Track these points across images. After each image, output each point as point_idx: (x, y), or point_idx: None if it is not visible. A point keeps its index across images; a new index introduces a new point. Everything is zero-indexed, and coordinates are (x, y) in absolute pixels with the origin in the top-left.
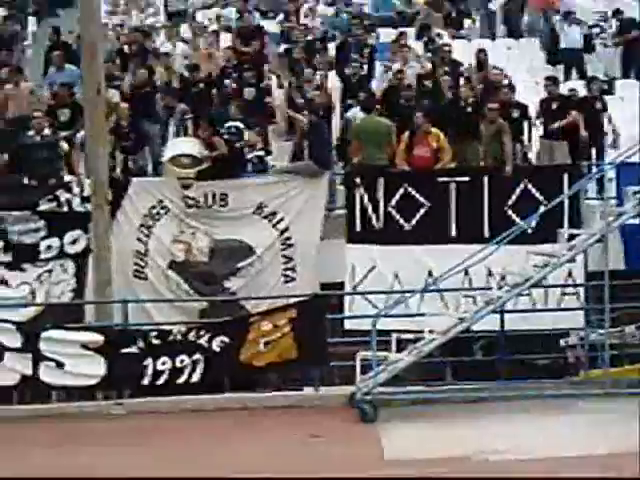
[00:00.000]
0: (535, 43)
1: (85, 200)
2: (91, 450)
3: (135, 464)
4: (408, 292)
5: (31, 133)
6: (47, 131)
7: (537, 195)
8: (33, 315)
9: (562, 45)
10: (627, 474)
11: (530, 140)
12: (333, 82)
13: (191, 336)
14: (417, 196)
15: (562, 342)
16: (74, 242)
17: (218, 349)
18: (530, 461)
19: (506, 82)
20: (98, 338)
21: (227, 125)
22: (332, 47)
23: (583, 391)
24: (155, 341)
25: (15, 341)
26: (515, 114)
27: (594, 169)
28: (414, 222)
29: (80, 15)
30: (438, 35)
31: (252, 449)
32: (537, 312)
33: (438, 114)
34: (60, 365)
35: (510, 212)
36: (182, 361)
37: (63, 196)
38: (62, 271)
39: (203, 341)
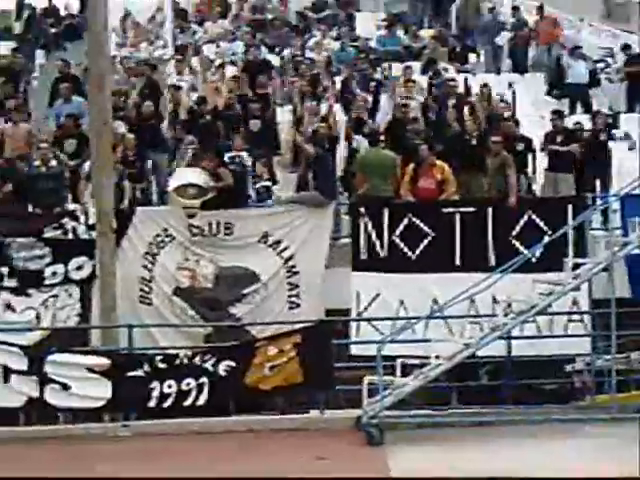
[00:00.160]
0: (540, 78)
1: (90, 228)
2: (97, 471)
3: None
4: (414, 318)
5: (37, 164)
6: (53, 162)
7: (542, 225)
8: (39, 339)
9: (568, 80)
10: None
11: (535, 172)
12: (338, 114)
13: (197, 360)
14: (422, 226)
15: (568, 367)
16: (79, 268)
17: (224, 373)
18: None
19: (509, 114)
20: (104, 361)
21: (230, 155)
22: (338, 80)
23: (590, 416)
24: (161, 365)
25: (21, 364)
26: (520, 147)
27: (599, 201)
28: (419, 251)
29: (88, 48)
30: (444, 69)
31: (258, 471)
32: (544, 338)
33: (443, 147)
34: (66, 387)
35: (515, 242)
36: (188, 384)
37: (69, 224)
38: (67, 296)
39: (209, 365)
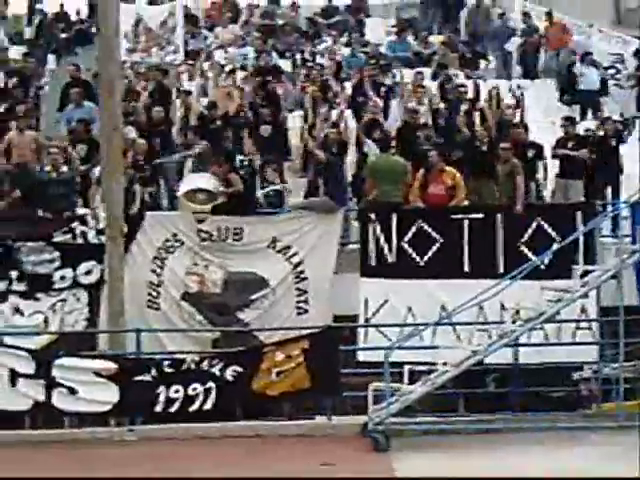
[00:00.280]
0: (551, 84)
1: (100, 233)
2: (102, 475)
3: None
4: (421, 325)
5: (48, 169)
6: (64, 167)
7: (551, 232)
8: (47, 343)
9: (580, 87)
10: None
11: (545, 179)
12: (348, 120)
13: (204, 365)
14: (431, 232)
15: (576, 375)
16: (88, 273)
17: (231, 378)
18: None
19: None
20: (111, 366)
21: (241, 158)
22: (348, 86)
23: (596, 424)
24: (168, 369)
25: (29, 368)
26: (530, 154)
27: (609, 208)
28: (427, 257)
29: (98, 53)
30: (454, 75)
31: (264, 477)
32: (551, 346)
33: (456, 153)
34: (73, 391)
35: (524, 249)
36: (195, 389)
37: (78, 229)
38: (75, 301)
39: (216, 370)
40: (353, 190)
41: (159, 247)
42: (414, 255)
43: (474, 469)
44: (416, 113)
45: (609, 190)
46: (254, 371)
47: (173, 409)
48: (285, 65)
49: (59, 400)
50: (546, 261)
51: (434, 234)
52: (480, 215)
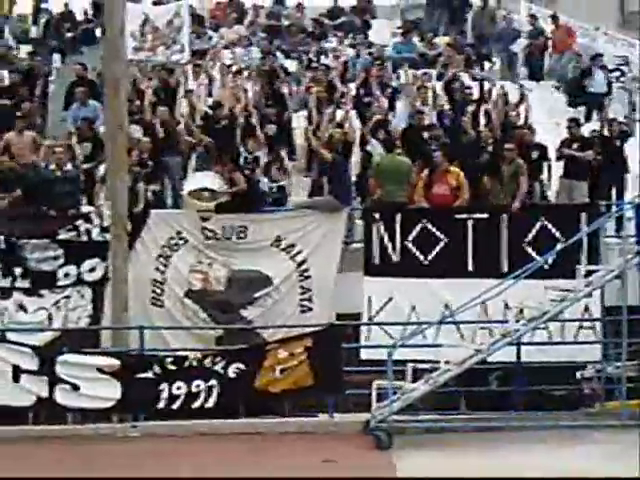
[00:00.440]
0: (555, 86)
1: (104, 230)
2: (104, 471)
3: None
4: (425, 323)
5: (52, 167)
6: (69, 166)
7: (555, 232)
8: (50, 339)
9: (589, 89)
10: None
11: (549, 179)
12: (353, 120)
13: (207, 362)
14: (435, 231)
15: (578, 374)
16: (92, 270)
17: (234, 375)
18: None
19: (522, 122)
20: (114, 362)
21: (245, 156)
22: (353, 87)
23: (599, 422)
24: (171, 366)
25: (32, 364)
26: (534, 154)
27: (613, 208)
28: (431, 256)
29: (104, 52)
30: (459, 76)
31: (266, 474)
32: (554, 345)
33: (458, 153)
34: (76, 388)
35: (528, 248)
36: (197, 386)
37: (83, 226)
38: (79, 297)
39: (219, 367)
40: (357, 189)
41: (163, 245)
42: (418, 254)
43: (476, 467)
44: (421, 114)
45: (614, 191)
46: (257, 369)
47: (176, 406)
48: (291, 66)
49: (62, 396)
50: (550, 261)
51: (438, 234)
52: (484, 215)
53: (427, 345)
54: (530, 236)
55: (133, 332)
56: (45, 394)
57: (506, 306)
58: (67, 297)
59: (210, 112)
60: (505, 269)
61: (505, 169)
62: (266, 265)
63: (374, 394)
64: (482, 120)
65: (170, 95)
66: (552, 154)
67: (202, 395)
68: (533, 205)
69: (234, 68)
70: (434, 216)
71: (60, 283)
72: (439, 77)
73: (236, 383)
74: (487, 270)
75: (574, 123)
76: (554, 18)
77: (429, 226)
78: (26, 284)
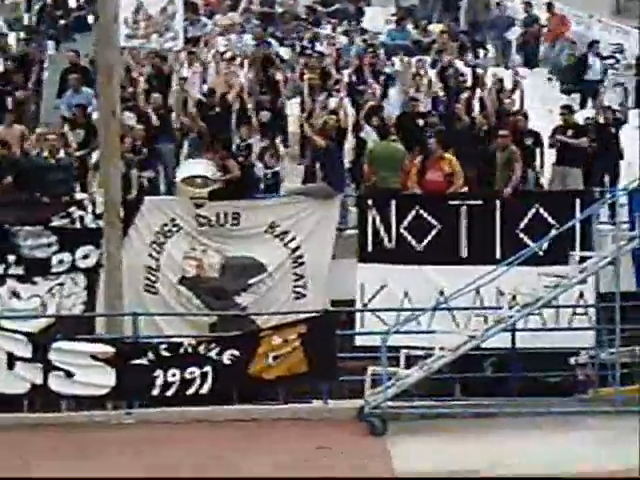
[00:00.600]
0: (549, 73)
1: (98, 217)
2: (99, 458)
3: (141, 472)
4: (419, 310)
5: (45, 155)
6: (62, 153)
7: (549, 219)
8: (44, 326)
9: (586, 77)
10: None
11: (542, 166)
12: (347, 107)
13: (201, 349)
14: (429, 218)
15: (572, 360)
16: (86, 257)
17: (228, 362)
18: (539, 476)
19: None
20: (108, 349)
21: (238, 143)
22: (346, 73)
23: (592, 408)
24: (165, 353)
25: (26, 351)
26: (528, 141)
27: (607, 195)
28: (425, 243)
29: (96, 39)
30: (453, 63)
31: (260, 460)
32: (548, 331)
33: (452, 140)
34: (70, 375)
35: (522, 235)
36: (192, 373)
37: (76, 213)
38: (73, 284)
39: (213, 354)
40: (351, 176)
41: (157, 232)
42: (412, 241)
43: (470, 453)
44: (415, 101)
45: (607, 178)
46: (251, 355)
47: (170, 392)
48: (284, 53)
49: (56, 383)
50: (544, 247)
51: (432, 220)
52: (478, 202)
53: (421, 331)
54: (524, 223)
55: (127, 319)
56: (39, 381)
57: (500, 292)
58: (61, 284)
59: (204, 99)
60: (499, 255)
61: (499, 156)
62: (260, 252)
63: (368, 380)
64: (476, 107)
65: (164, 82)
66: (545, 141)
67: (196, 382)
68: (527, 192)
69: (228, 55)
70: (428, 203)
71: (54, 270)
72: (433, 64)
73: (230, 370)
74: (481, 256)
75: (567, 110)
76: (549, 6)
77: (423, 213)
78: (20, 271)
